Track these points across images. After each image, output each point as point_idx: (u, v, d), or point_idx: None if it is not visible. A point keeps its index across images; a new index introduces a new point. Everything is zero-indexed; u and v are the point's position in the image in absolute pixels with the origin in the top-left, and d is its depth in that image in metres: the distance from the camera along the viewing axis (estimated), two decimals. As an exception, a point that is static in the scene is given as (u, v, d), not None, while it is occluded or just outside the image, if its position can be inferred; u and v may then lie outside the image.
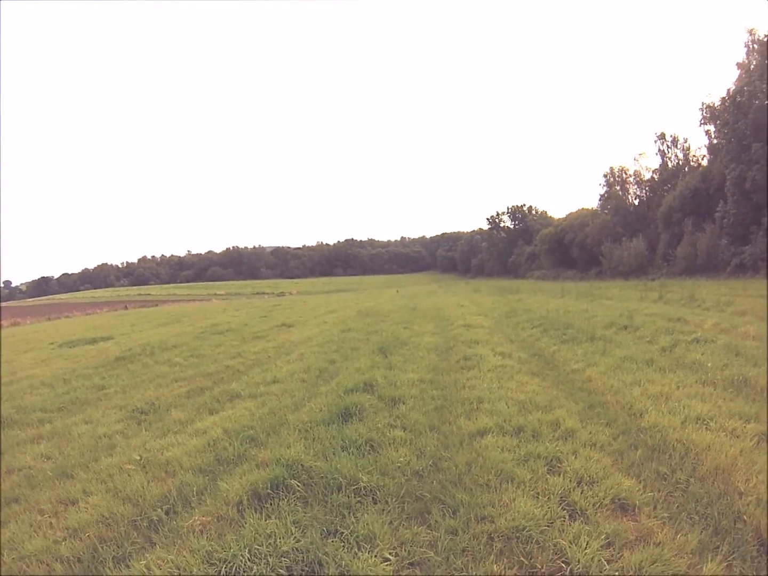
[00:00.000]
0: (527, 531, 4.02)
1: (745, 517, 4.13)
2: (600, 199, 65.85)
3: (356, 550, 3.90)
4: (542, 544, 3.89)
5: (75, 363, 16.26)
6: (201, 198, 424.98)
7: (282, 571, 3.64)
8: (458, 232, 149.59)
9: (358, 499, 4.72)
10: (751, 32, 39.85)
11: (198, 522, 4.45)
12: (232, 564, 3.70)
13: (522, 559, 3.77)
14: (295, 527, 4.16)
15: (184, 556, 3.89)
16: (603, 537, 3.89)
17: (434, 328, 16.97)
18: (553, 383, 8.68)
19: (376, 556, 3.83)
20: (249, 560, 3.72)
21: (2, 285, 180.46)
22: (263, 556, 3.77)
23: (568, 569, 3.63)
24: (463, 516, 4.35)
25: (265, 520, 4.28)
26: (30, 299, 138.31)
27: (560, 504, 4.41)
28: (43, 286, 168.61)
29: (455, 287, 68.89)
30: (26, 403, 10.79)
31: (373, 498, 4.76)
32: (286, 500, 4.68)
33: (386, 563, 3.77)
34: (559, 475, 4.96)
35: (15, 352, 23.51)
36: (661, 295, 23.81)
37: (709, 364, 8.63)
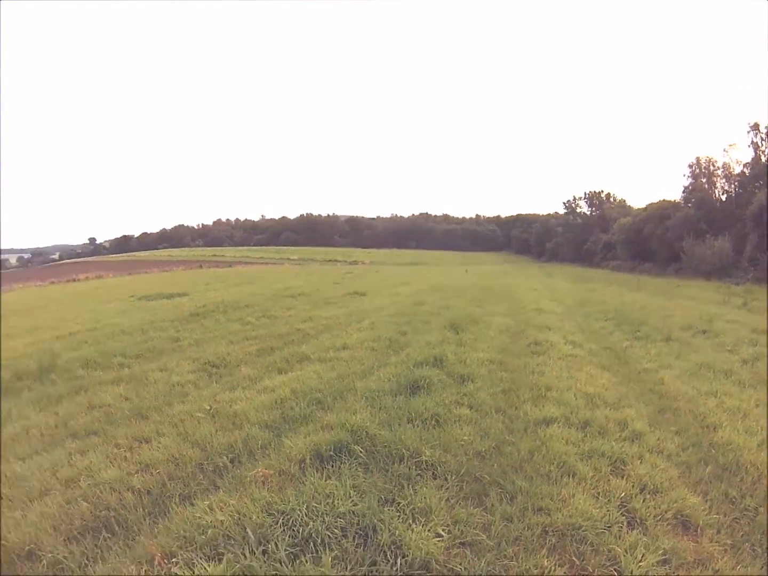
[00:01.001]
0: (583, 531, 3.89)
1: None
2: (683, 192, 61.40)
3: (411, 521, 3.89)
4: (596, 547, 3.76)
5: (152, 315, 17.05)
6: (276, 163, 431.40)
7: (336, 531, 3.69)
8: (534, 214, 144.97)
9: (419, 472, 4.71)
10: None
11: (261, 474, 4.59)
12: (289, 517, 3.79)
13: (574, 558, 3.65)
14: (354, 491, 4.21)
15: (245, 503, 4.02)
16: (660, 552, 3.69)
17: (506, 309, 16.72)
18: (623, 380, 8.37)
19: (429, 530, 3.80)
20: (306, 515, 3.80)
21: (87, 241, 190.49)
22: (320, 513, 3.83)
23: (621, 579, 3.51)
24: (520, 504, 4.28)
25: (325, 481, 4.35)
26: (112, 255, 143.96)
27: (620, 509, 4.24)
28: (124, 244, 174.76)
29: (528, 270, 67.47)
30: (108, 348, 11.40)
31: (433, 473, 4.74)
32: (347, 464, 4.73)
33: (438, 539, 3.75)
34: (623, 478, 4.77)
35: (99, 302, 24.80)
36: (745, 301, 22.21)
37: None
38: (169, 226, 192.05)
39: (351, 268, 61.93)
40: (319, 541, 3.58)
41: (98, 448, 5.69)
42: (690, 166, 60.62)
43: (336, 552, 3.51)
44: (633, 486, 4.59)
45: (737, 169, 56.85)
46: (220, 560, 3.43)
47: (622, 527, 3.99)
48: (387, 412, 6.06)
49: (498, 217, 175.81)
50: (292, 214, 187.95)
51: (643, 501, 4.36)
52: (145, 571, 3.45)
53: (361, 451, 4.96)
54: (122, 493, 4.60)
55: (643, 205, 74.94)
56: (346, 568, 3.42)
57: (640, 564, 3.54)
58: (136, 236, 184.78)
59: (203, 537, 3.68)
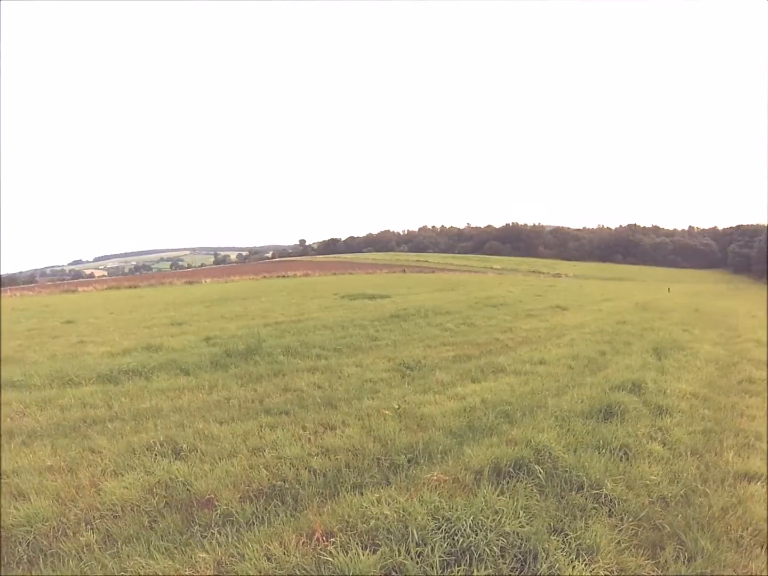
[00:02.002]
0: None
1: None
2: None
3: (574, 557, 3.65)
4: None
5: (353, 313, 18.11)
6: (481, 171, 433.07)
7: (495, 549, 3.58)
8: (758, 224, 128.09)
9: (595, 505, 4.43)
10: None
11: (435, 478, 4.63)
12: (453, 525, 3.75)
13: None
14: (524, 512, 4.05)
15: (413, 503, 4.06)
16: None
17: (717, 337, 15.23)
18: None
19: (591, 571, 3.55)
20: (470, 527, 3.72)
21: (297, 242, 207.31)
22: (485, 528, 3.73)
23: None
24: (698, 567, 3.77)
25: (498, 496, 4.26)
26: (319, 256, 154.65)
27: None
28: (331, 246, 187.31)
29: (747, 292, 60.23)
30: (308, 339, 12.34)
31: (610, 510, 4.42)
32: (524, 483, 4.60)
33: None
34: None
35: (304, 298, 26.80)
36: None
37: None
38: (375, 231, 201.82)
39: (554, 281, 60.44)
40: (476, 555, 3.51)
41: (286, 426, 6.24)
42: None
43: (490, 570, 3.42)
44: None
45: None
46: (375, 551, 3.54)
47: None
48: (574, 435, 5.80)
49: (714, 228, 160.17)
50: (498, 223, 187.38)
51: None
52: (303, 542, 3.68)
53: (540, 472, 4.80)
54: (300, 470, 5.01)
55: None
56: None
57: None
58: (343, 239, 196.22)
59: (365, 526, 3.82)
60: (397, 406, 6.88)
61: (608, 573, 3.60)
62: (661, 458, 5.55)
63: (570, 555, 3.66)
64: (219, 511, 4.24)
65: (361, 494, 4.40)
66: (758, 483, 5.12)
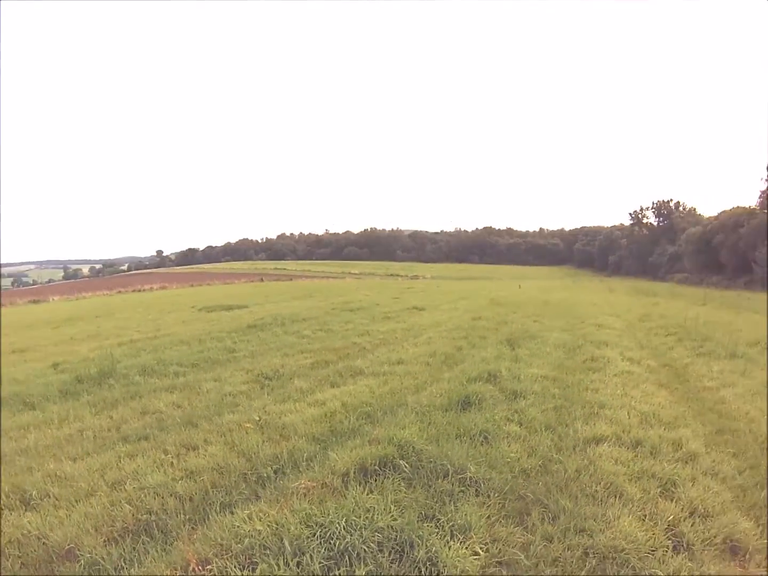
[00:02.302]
0: (625, 554, 3.73)
1: None
2: (760, 197, 58.64)
3: (449, 538, 3.80)
4: (638, 571, 3.61)
5: (211, 326, 17.51)
6: (340, 177, 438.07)
7: (373, 545, 3.61)
8: (598, 226, 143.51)
9: (462, 488, 4.60)
10: None
11: (303, 486, 4.57)
12: (327, 529, 3.72)
13: None
14: (395, 506, 4.12)
15: (285, 514, 3.99)
16: None
17: (564, 324, 16.38)
18: (681, 399, 8.05)
19: (467, 548, 3.70)
20: (344, 529, 3.73)
21: (155, 253, 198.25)
22: (358, 527, 3.75)
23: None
24: (562, 524, 4.15)
25: (367, 495, 4.28)
26: (177, 267, 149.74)
27: (667, 533, 4.05)
28: (189, 257, 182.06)
29: (590, 284, 65.99)
30: (165, 356, 11.73)
31: (476, 490, 4.63)
32: (391, 479, 4.66)
33: (475, 557, 3.65)
34: (672, 500, 4.57)
35: (161, 312, 25.66)
36: None
37: None
38: (233, 239, 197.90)
39: (412, 283, 61.96)
40: (354, 554, 3.51)
41: (147, 452, 5.84)
42: None
43: (371, 567, 3.44)
44: (682, 509, 4.41)
45: None
46: (254, 569, 3.43)
47: (667, 551, 3.83)
48: (436, 427, 5.98)
49: (562, 230, 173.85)
50: (356, 229, 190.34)
51: (692, 525, 4.18)
52: (179, 576, 3.46)
53: (406, 466, 4.87)
54: (165, 498, 4.68)
55: (716, 213, 72.09)
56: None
57: None
58: (201, 249, 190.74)
59: (240, 546, 3.67)
60: (258, 418, 6.72)
61: (483, 545, 3.78)
62: (519, 437, 5.93)
63: (445, 537, 3.80)
64: (82, 562, 3.82)
65: (232, 513, 4.24)
66: (605, 444, 5.72)
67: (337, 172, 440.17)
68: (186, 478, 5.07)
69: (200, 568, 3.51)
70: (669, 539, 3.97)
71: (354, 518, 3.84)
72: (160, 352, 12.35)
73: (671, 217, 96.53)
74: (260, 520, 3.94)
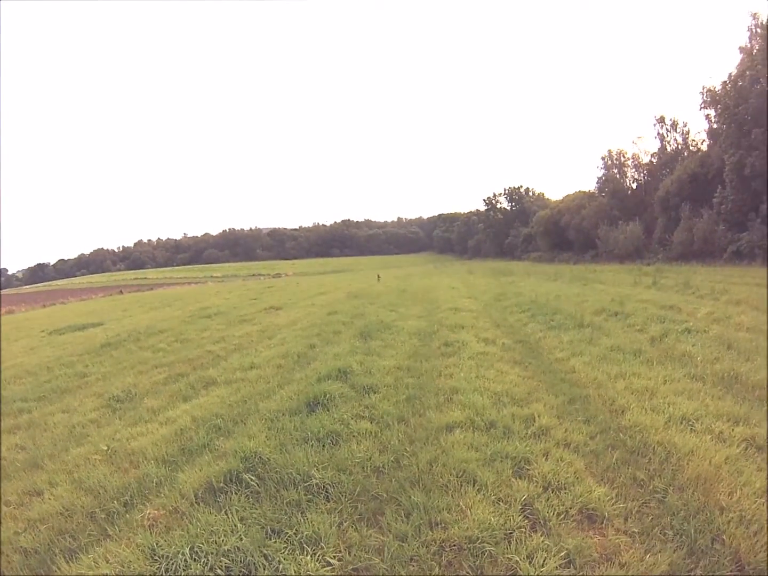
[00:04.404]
0: (481, 542, 3.73)
1: (724, 536, 3.73)
2: (597, 182, 64.42)
3: (298, 552, 3.73)
4: (495, 558, 3.61)
5: (61, 350, 16.21)
6: (196, 180, 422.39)
7: (220, 572, 3.52)
8: (455, 213, 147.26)
9: (310, 496, 4.54)
10: (754, 16, 38.08)
11: (150, 516, 4.39)
12: (172, 561, 3.60)
13: (469, 574, 3.53)
14: (242, 524, 4.04)
15: (131, 551, 3.81)
16: (563, 554, 3.57)
17: (421, 311, 16.82)
18: (535, 373, 8.35)
19: (318, 560, 3.66)
20: (190, 558, 3.62)
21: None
22: (204, 554, 3.66)
23: (520, 589, 3.40)
24: (415, 520, 4.10)
25: (214, 516, 4.17)
26: (26, 286, 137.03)
27: (522, 512, 4.10)
28: (39, 273, 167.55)
29: (450, 268, 68.34)
30: (8, 393, 10.72)
31: (326, 495, 4.57)
32: (238, 495, 4.55)
33: (328, 568, 3.61)
34: (526, 479, 4.64)
35: (6, 340, 23.40)
36: (655, 280, 22.98)
37: (699, 358, 8.19)
38: (87, 250, 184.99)
39: (273, 282, 61.13)
40: (199, 587, 3.37)
41: (-13, 508, 5.29)
42: (603, 158, 63.66)
43: (215, 598, 3.31)
44: (537, 485, 4.50)
45: (645, 159, 60.38)
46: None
47: (524, 532, 3.86)
48: (283, 433, 5.88)
49: (420, 218, 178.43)
50: (215, 230, 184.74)
51: (547, 500, 4.25)
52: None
53: (252, 479, 4.78)
54: (9, 555, 4.32)
55: (561, 197, 78.14)
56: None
57: (541, 570, 3.43)
58: (51, 263, 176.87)
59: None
60: (106, 448, 6.32)
61: (335, 554, 3.74)
62: (370, 433, 5.90)
63: (294, 552, 3.73)
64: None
65: (77, 560, 3.96)
66: (458, 430, 5.78)
67: (191, 171, 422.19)
68: (30, 529, 4.68)
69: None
70: (525, 519, 4.03)
71: (199, 544, 3.75)
72: (3, 389, 11.25)
73: (522, 201, 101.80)
74: (107, 562, 3.75)
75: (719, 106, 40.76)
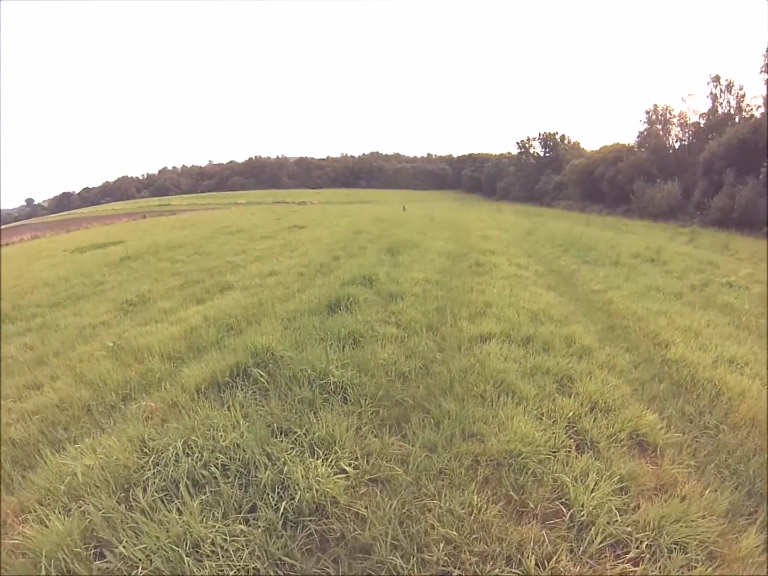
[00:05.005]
0: (523, 458, 3.33)
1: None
2: (638, 137, 60.99)
3: (307, 454, 3.28)
4: (539, 477, 3.21)
5: (81, 265, 16.11)
6: (222, 107, 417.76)
7: (215, 469, 3.09)
8: (486, 153, 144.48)
9: (325, 395, 4.08)
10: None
11: (146, 407, 4.04)
12: (162, 454, 3.21)
13: (511, 493, 3.08)
14: (245, 421, 3.59)
15: (120, 442, 3.44)
16: (616, 479, 3.17)
17: (450, 236, 16.32)
18: (571, 299, 8.03)
19: (330, 465, 3.20)
20: (182, 452, 3.21)
21: (24, 203, 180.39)
22: (199, 449, 3.25)
23: (569, 514, 2.93)
24: (446, 430, 3.66)
25: (216, 411, 3.73)
26: (52, 215, 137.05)
27: (567, 431, 3.72)
28: (64, 202, 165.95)
29: (478, 206, 67.29)
30: (24, 301, 10.63)
31: (344, 397, 4.12)
32: (243, 391, 4.14)
33: (342, 475, 3.15)
34: (570, 396, 4.23)
35: (28, 260, 23.45)
36: (692, 239, 22.09)
37: (746, 307, 7.89)
38: (112, 178, 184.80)
39: (298, 208, 60.58)
40: (190, 482, 2.99)
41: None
42: (647, 112, 60.11)
43: (207, 496, 2.92)
44: (582, 404, 4.13)
45: (693, 119, 56.37)
46: (80, 510, 2.89)
47: (570, 452, 3.48)
48: (300, 332, 5.42)
49: (450, 156, 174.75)
50: (240, 158, 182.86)
51: (594, 421, 3.87)
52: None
53: (261, 375, 4.32)
54: None
55: (597, 148, 75.37)
56: (220, 514, 2.82)
57: (593, 494, 3.01)
58: (76, 192, 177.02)
59: (66, 487, 3.11)
60: (111, 344, 6.02)
61: (351, 461, 3.30)
62: (396, 338, 5.51)
63: (302, 454, 3.27)
64: None
65: (64, 450, 3.64)
66: (493, 341, 5.39)
67: (218, 98, 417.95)
68: (21, 421, 4.40)
69: (17, 519, 2.99)
70: (571, 438, 3.65)
71: (195, 438, 3.34)
72: (19, 298, 11.14)
73: (557, 148, 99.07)
74: (95, 453, 3.39)
75: (782, 71, 37.77)
